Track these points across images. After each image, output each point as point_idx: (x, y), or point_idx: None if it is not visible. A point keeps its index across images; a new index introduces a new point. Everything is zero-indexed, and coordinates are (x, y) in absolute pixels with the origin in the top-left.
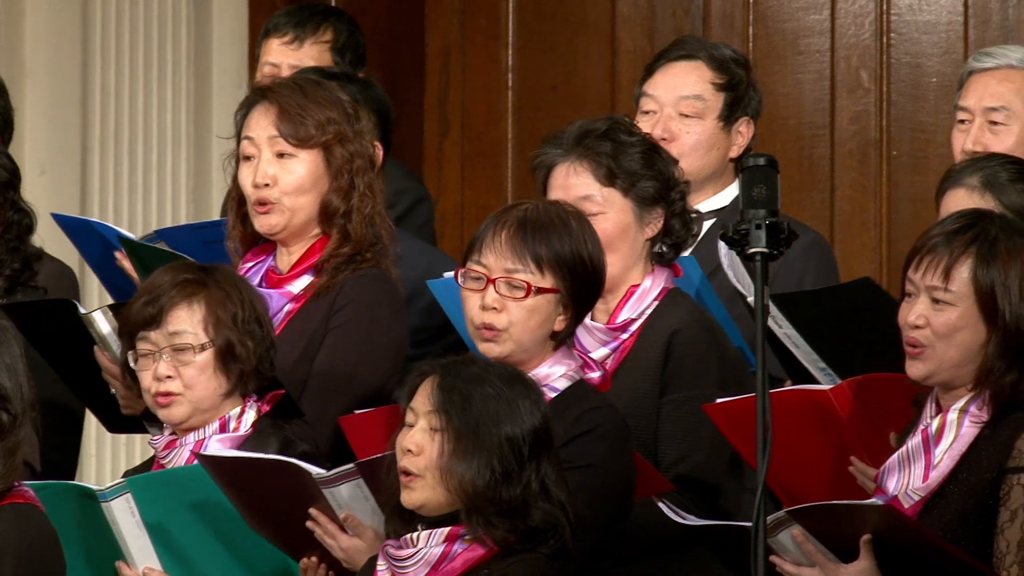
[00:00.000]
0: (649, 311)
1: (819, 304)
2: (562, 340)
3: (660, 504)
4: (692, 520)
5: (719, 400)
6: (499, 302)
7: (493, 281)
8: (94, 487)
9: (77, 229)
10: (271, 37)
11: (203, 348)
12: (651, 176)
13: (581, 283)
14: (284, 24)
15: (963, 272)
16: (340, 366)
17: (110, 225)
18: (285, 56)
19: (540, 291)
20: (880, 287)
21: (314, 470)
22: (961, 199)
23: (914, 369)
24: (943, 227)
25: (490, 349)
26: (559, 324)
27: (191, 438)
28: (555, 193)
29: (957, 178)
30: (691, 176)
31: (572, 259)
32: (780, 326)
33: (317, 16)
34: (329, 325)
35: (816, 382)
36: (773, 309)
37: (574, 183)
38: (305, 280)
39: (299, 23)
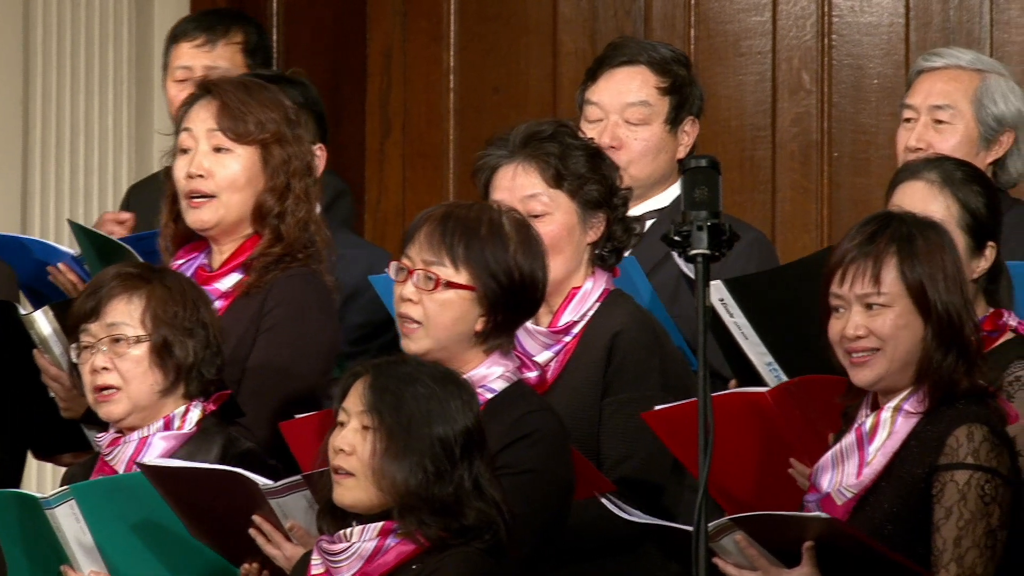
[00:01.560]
0: (591, 313)
1: (774, 286)
2: (496, 344)
3: (603, 500)
4: (636, 516)
5: (657, 408)
6: (416, 294)
7: (413, 273)
8: (38, 495)
9: (9, 246)
10: (181, 42)
11: (139, 341)
12: (596, 180)
13: (504, 289)
14: (193, 29)
15: (891, 273)
16: (273, 365)
17: (45, 241)
18: (198, 59)
19: (451, 285)
20: None
21: (261, 481)
22: (918, 191)
23: (862, 376)
24: (855, 237)
25: (407, 345)
26: (479, 324)
27: (135, 435)
28: (499, 194)
29: (915, 172)
30: (641, 182)
31: (495, 262)
32: (731, 314)
33: (226, 19)
34: (261, 326)
35: (761, 380)
36: (725, 295)
37: (521, 183)
38: (234, 278)
39: (209, 27)
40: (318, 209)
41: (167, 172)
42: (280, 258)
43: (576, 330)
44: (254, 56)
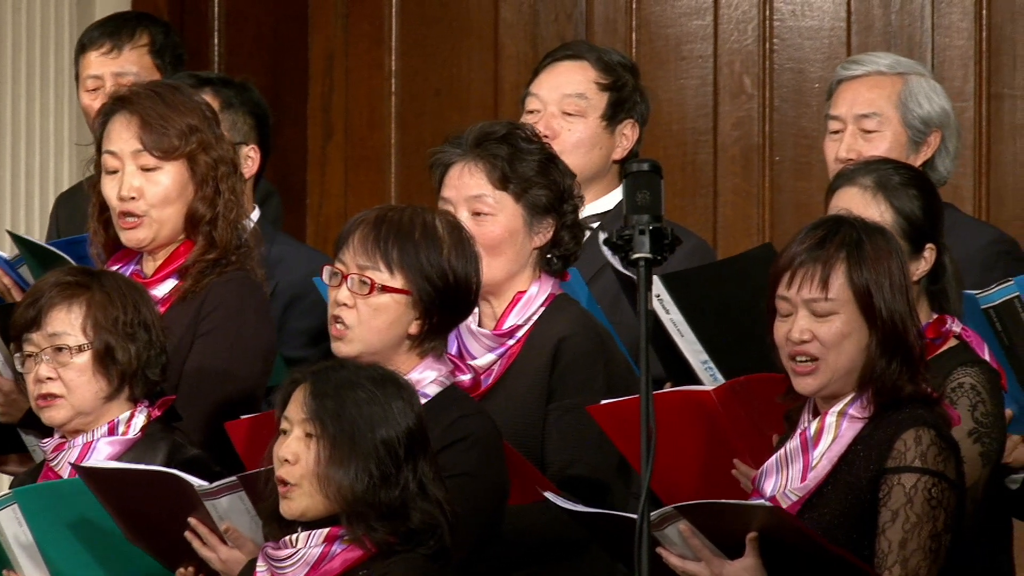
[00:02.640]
0: (536, 317)
1: (711, 283)
2: (430, 347)
3: (546, 494)
4: (579, 507)
5: (604, 402)
6: (350, 298)
7: (347, 277)
8: None
9: None
10: (88, 51)
11: (81, 349)
12: (545, 185)
13: (436, 290)
14: (99, 36)
15: (839, 279)
16: (211, 368)
17: None
18: (106, 66)
19: (386, 289)
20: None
21: (196, 482)
22: (853, 197)
23: (805, 384)
24: (804, 241)
25: (339, 348)
26: (413, 328)
27: (79, 440)
28: (448, 191)
29: (851, 177)
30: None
31: (428, 265)
32: (667, 311)
33: (130, 23)
34: (197, 331)
35: (697, 380)
36: (661, 291)
37: (467, 182)
38: (169, 284)
39: (113, 32)
40: (256, 213)
41: (91, 182)
42: (215, 263)
43: (520, 334)
44: (162, 56)
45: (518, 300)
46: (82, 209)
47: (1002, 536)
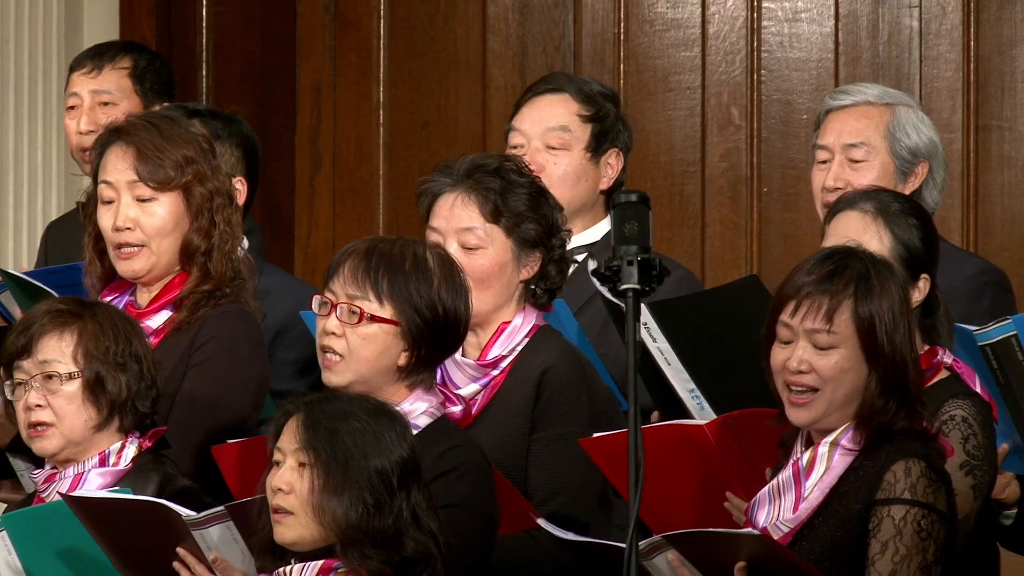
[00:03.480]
0: (520, 348)
1: (698, 312)
2: (420, 379)
3: (539, 520)
4: (570, 536)
5: (595, 435)
6: (339, 328)
7: (336, 307)
8: None
9: None
10: (73, 73)
11: (71, 377)
12: (535, 219)
13: (427, 323)
14: (84, 58)
15: (844, 313)
16: (202, 398)
17: None
18: (85, 85)
19: (375, 319)
20: (765, 288)
21: (183, 512)
22: (853, 221)
23: (799, 416)
24: (813, 272)
25: (329, 378)
26: (402, 360)
27: (70, 471)
28: (437, 221)
29: (852, 202)
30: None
31: (418, 297)
32: (654, 339)
33: (115, 47)
34: (190, 361)
35: (684, 408)
36: (649, 320)
37: (459, 214)
38: (164, 315)
39: (97, 54)
40: (245, 243)
41: (84, 209)
42: (210, 294)
43: (504, 364)
44: (142, 81)
45: (503, 331)
46: (73, 237)
47: (990, 567)
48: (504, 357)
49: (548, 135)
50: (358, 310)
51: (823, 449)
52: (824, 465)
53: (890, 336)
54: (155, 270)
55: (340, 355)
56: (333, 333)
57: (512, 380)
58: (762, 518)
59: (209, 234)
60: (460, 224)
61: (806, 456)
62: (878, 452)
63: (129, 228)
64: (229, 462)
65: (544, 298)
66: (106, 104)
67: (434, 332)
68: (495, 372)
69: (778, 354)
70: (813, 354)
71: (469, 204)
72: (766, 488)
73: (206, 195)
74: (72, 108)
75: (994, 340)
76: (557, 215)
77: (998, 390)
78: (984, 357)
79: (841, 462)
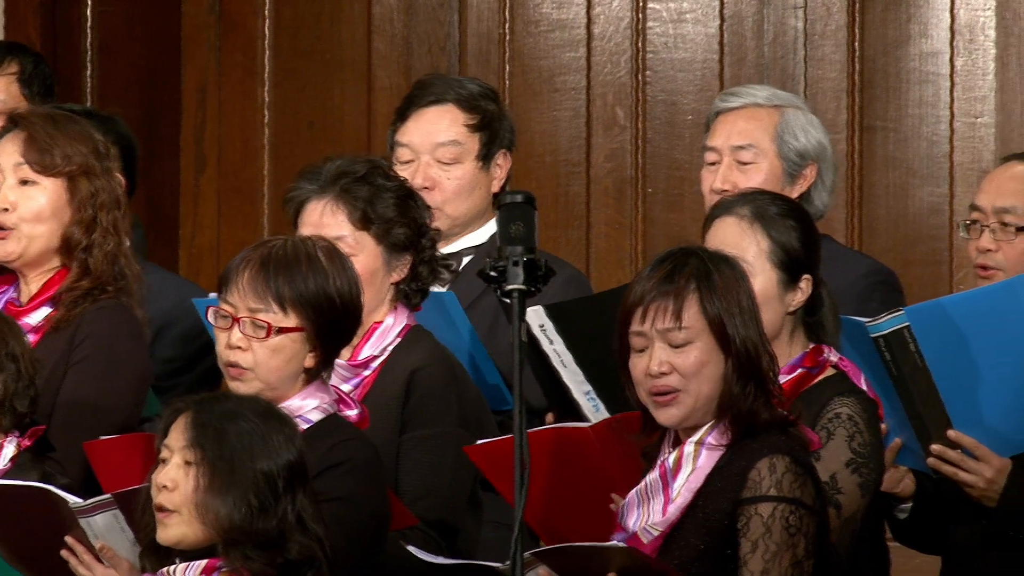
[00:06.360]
0: (391, 348)
1: (593, 314)
2: (316, 375)
3: (408, 548)
4: (440, 560)
5: (480, 442)
6: (244, 341)
7: (238, 320)
8: None
9: None
10: None
11: None
12: (404, 223)
13: (328, 320)
14: None
15: (692, 308)
16: (84, 399)
17: None
18: None
19: (282, 331)
20: None
21: (70, 498)
22: (730, 227)
23: (668, 415)
24: (652, 276)
25: (237, 387)
26: (309, 361)
27: None
28: (306, 229)
29: (728, 207)
30: (457, 220)
31: (317, 297)
32: (551, 341)
33: (0, 52)
34: (70, 359)
35: (579, 410)
36: (545, 321)
37: (328, 223)
38: (43, 312)
39: None
40: (127, 243)
41: None
42: (89, 291)
43: (375, 364)
44: (30, 86)
45: (374, 331)
46: None
47: (880, 565)
48: (375, 357)
49: (438, 151)
50: (264, 324)
51: (689, 448)
52: (691, 465)
53: (739, 326)
54: (27, 256)
55: (248, 367)
56: (239, 347)
57: (383, 380)
58: (632, 521)
59: (91, 229)
60: (330, 233)
61: (672, 457)
62: (743, 449)
63: (6, 209)
64: (101, 458)
65: (416, 298)
66: None
67: (336, 326)
68: (366, 372)
69: (637, 364)
70: (671, 354)
71: (338, 212)
72: (635, 491)
73: (91, 191)
74: None
75: (886, 332)
76: (426, 215)
77: (891, 383)
78: (877, 349)
79: (708, 461)
